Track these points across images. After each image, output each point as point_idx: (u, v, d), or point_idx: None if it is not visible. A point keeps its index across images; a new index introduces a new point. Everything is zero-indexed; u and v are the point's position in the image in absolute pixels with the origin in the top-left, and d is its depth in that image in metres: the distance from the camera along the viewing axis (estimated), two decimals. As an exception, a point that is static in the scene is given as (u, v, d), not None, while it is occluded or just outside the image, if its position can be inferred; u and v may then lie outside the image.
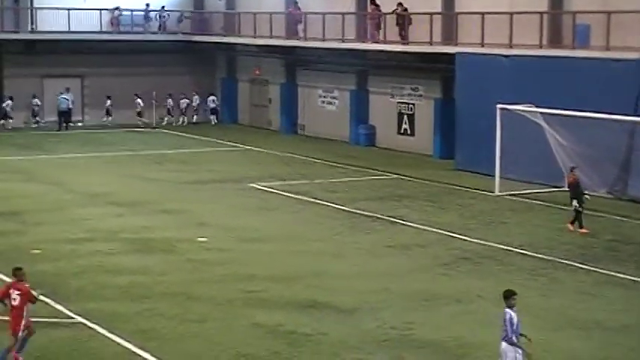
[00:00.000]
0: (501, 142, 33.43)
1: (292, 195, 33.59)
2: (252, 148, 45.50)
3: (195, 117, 54.68)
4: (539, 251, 25.43)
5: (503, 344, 15.40)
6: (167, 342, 18.47)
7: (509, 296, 15.47)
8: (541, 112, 32.81)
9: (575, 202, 27.73)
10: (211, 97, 55.26)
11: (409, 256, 25.25)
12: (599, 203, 31.02)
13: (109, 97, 52.83)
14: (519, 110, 33.04)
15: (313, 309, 20.54)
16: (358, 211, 30.73)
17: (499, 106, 33.52)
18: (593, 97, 32.24)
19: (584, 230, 27.44)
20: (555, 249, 25.67)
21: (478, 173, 36.12)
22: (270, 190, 34.66)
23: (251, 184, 35.60)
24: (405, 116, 44.59)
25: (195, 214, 30.27)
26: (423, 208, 31.59)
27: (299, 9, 48.46)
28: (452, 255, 25.20)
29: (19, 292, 16.84)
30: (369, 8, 44.47)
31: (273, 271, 23.48)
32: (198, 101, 54.95)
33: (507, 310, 15.48)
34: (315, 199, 32.91)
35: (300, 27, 47.63)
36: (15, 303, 16.82)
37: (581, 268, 23.86)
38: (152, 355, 17.76)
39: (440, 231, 27.95)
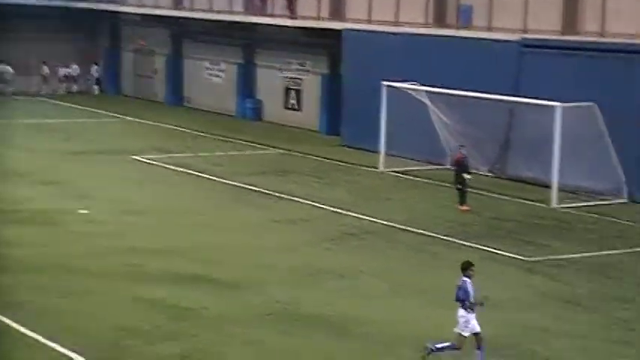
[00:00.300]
0: (386, 119, 33.77)
1: (176, 168, 33.29)
2: (136, 119, 44.88)
3: (75, 87, 53.57)
4: (421, 227, 25.82)
5: (460, 310, 16.18)
6: (46, 316, 18.11)
7: (467, 267, 16.39)
8: (425, 91, 33.26)
9: (460, 179, 28.19)
10: (95, 67, 54.21)
11: (295, 231, 25.33)
12: (480, 181, 31.65)
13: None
14: (404, 88, 33.42)
15: (196, 283, 20.43)
16: (244, 185, 30.66)
17: (384, 83, 33.83)
18: (476, 76, 32.82)
19: (464, 208, 27.97)
20: (438, 226, 26.10)
21: (364, 149, 36.43)
22: (153, 162, 34.27)
23: (134, 157, 35.14)
24: (292, 91, 44.62)
25: (77, 185, 29.73)
26: (309, 183, 31.71)
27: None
28: (337, 230, 25.38)
29: None
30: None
31: (155, 245, 23.26)
32: (78, 71, 53.81)
33: (465, 279, 16.24)
34: (200, 172, 32.69)
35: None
36: None
37: (462, 244, 24.34)
38: (29, 329, 17.40)
39: (326, 206, 28.11)
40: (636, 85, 29.42)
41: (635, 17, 30.16)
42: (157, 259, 22.04)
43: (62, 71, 53.37)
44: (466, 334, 16.14)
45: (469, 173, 28.35)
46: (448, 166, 33.86)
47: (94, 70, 54.15)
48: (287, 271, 21.57)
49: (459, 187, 28.24)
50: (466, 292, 16.14)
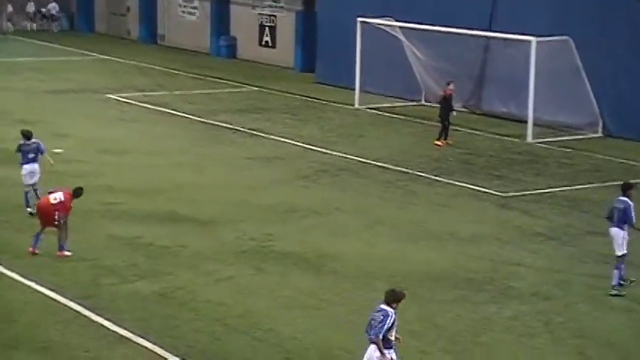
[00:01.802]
0: (361, 56, 33.61)
1: (151, 106, 33.10)
2: (110, 57, 44.45)
3: (55, 25, 52.87)
4: (396, 164, 25.87)
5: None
6: (22, 256, 18.11)
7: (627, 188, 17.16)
8: (400, 27, 33.08)
9: (446, 115, 28.17)
10: (52, 4, 53.30)
11: (269, 169, 25.33)
12: (455, 117, 31.64)
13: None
14: (379, 24, 33.22)
15: (172, 221, 20.45)
16: (218, 123, 30.56)
17: (359, 19, 33.63)
18: (451, 12, 32.65)
19: (441, 143, 28.00)
20: (412, 162, 26.15)
21: (338, 87, 36.29)
22: (128, 101, 34.05)
23: (108, 95, 34.89)
24: (267, 28, 44.28)
25: (52, 124, 29.51)
26: (284, 120, 31.64)
27: None
28: (311, 168, 25.40)
29: None
30: None
31: (131, 184, 23.21)
32: (57, 8, 53.08)
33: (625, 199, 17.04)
34: (175, 110, 32.53)
35: None
36: None
37: (437, 180, 24.42)
38: (6, 268, 17.42)
39: (300, 144, 28.08)
40: (611, 19, 29.37)
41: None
42: (133, 198, 22.01)
43: (30, 7, 52.55)
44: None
45: (452, 110, 28.33)
46: (423, 102, 33.89)
47: (52, 7, 53.19)
48: (261, 208, 21.60)
49: (445, 122, 28.17)
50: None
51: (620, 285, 17.05)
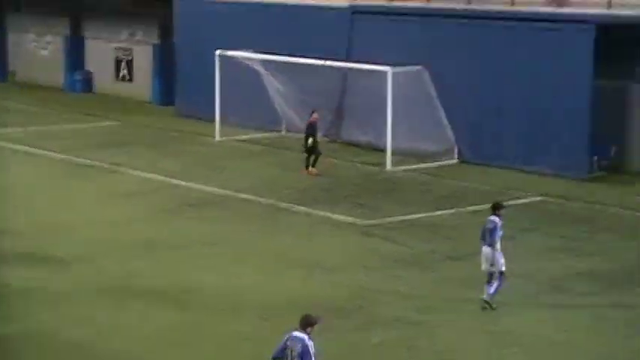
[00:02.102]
0: (221, 88, 33.58)
1: (6, 144, 32.21)
2: (-40, 95, 43.12)
3: None
4: (259, 195, 25.87)
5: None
6: None
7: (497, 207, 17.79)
8: (258, 59, 33.23)
9: (309, 142, 28.42)
10: None
11: (131, 204, 24.96)
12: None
13: None
14: (238, 56, 33.29)
15: (31, 261, 19.88)
16: (78, 160, 29.97)
17: (218, 51, 33.62)
18: (310, 43, 32.98)
19: (315, 171, 28.27)
20: (275, 193, 26.20)
21: (199, 119, 36.11)
22: (-19, 139, 33.09)
23: (-40, 134, 33.86)
24: (123, 62, 43.78)
25: None
26: (144, 155, 31.27)
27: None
28: (174, 201, 25.15)
29: None
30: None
31: (-14, 224, 22.51)
32: None
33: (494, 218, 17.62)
34: (30, 147, 31.73)
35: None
36: None
37: (300, 210, 24.52)
38: None
39: (163, 178, 27.79)
40: (464, 49, 30.20)
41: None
42: (-13, 239, 21.34)
43: None
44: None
45: (312, 137, 28.59)
46: (284, 133, 34.06)
47: None
48: (123, 244, 21.24)
49: (311, 149, 28.45)
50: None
51: (488, 304, 17.45)
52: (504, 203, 18.59)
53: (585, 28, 27.34)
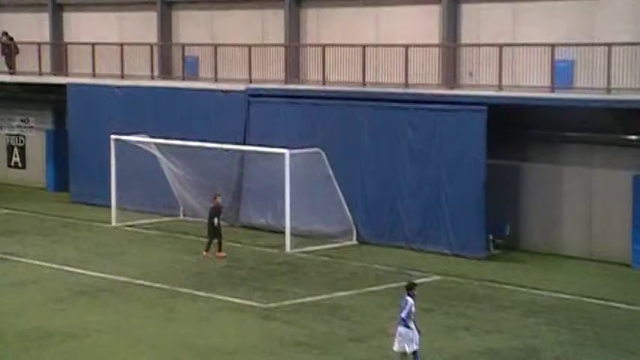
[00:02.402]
0: (116, 173, 33.20)
1: None
2: None
3: None
4: (156, 281, 25.44)
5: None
6: None
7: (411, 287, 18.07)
8: (154, 143, 33.03)
9: (215, 223, 28.29)
10: None
11: (22, 294, 24.23)
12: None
13: None
14: (133, 141, 33.03)
15: None
16: (-34, 249, 29.10)
17: (113, 136, 33.31)
18: (206, 127, 32.99)
19: (222, 254, 28.20)
20: (172, 277, 25.81)
21: (94, 205, 35.57)
22: None
23: None
24: (16, 148, 43.02)
25: None
26: (37, 242, 30.55)
27: None
28: (68, 289, 24.54)
29: None
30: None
31: None
32: None
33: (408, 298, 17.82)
34: None
35: None
36: None
37: (198, 295, 24.16)
38: None
39: (55, 265, 27.15)
40: (357, 130, 30.53)
41: (354, 66, 31.37)
42: None
43: None
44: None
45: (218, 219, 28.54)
46: (181, 217, 33.74)
47: None
48: (14, 336, 20.54)
49: (216, 232, 28.37)
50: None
51: None
52: (416, 282, 18.85)
53: (478, 109, 27.95)
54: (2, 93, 41.81)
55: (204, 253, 28.32)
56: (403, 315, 17.71)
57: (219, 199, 29.00)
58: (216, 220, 28.42)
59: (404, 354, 17.72)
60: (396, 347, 17.80)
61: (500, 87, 28.36)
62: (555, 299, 24.02)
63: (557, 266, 27.50)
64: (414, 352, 17.73)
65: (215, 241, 28.45)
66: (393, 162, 29.87)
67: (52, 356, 19.30)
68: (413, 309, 17.77)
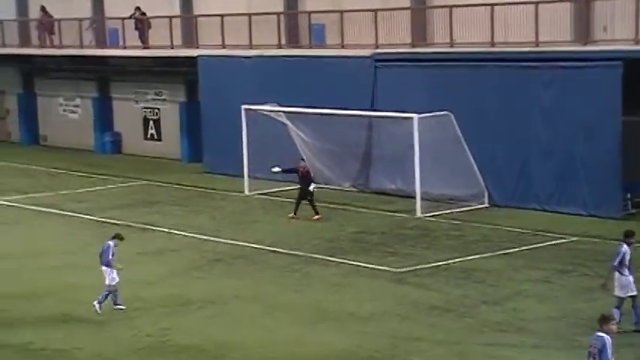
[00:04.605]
0: (248, 143, 33.71)
1: (37, 208, 32.43)
2: (-8, 161, 43.55)
3: None
4: (290, 248, 25.81)
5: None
6: None
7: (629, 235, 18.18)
8: (284, 111, 33.37)
9: (311, 188, 28.85)
10: None
11: (162, 262, 24.95)
12: (344, 196, 31.97)
13: None
14: (263, 110, 33.45)
15: (65, 323, 19.89)
16: (108, 220, 30.07)
17: (243, 106, 33.80)
18: (333, 94, 33.11)
19: (318, 217, 28.71)
20: (305, 244, 26.14)
21: (227, 175, 36.24)
22: (12, 204, 33.29)
23: (-8, 199, 34.11)
24: (151, 121, 44.12)
25: None
26: (174, 212, 31.35)
27: (50, 15, 46.30)
28: (205, 258, 25.14)
29: None
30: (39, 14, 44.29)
31: (19, 288, 22.55)
32: None
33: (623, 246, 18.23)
34: (62, 210, 31.91)
35: (45, 35, 45.79)
36: None
37: (331, 261, 24.42)
38: None
39: (192, 234, 27.82)
40: (487, 92, 30.15)
41: (482, 26, 30.93)
42: (23, 303, 21.37)
43: None
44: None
45: (310, 185, 29.14)
46: (313, 185, 34.04)
47: None
48: (156, 303, 21.20)
49: (310, 198, 28.84)
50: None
51: None
52: (634, 230, 18.98)
53: (613, 65, 27.20)
54: (136, 67, 42.90)
55: (294, 215, 28.92)
56: (615, 263, 18.13)
57: (302, 164, 29.40)
58: (313, 186, 28.73)
59: (622, 299, 18.14)
60: (615, 292, 18.28)
61: (636, 40, 27.50)
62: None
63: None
64: (633, 297, 18.16)
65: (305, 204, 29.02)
66: (524, 123, 29.40)
67: (191, 322, 19.84)
68: (627, 256, 18.12)
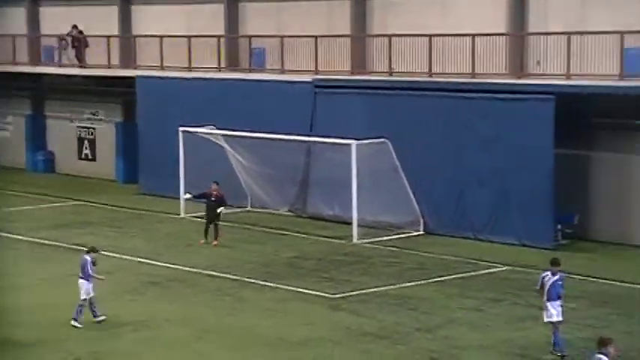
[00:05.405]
0: (185, 165, 33.54)
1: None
2: None
3: None
4: (225, 271, 25.68)
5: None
6: None
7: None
8: (222, 134, 33.28)
9: (219, 210, 29.07)
10: None
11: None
12: (280, 221, 31.94)
13: None
14: (201, 132, 33.32)
15: (-6, 345, 19.52)
16: (40, 241, 29.63)
17: (181, 128, 33.65)
18: (273, 118, 33.14)
19: (217, 242, 28.79)
20: (240, 268, 26.03)
21: (163, 196, 35.97)
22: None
23: None
24: (86, 141, 43.70)
25: None
26: (109, 234, 31.02)
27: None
28: (139, 280, 24.89)
29: None
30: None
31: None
32: None
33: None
34: (-7, 229, 31.39)
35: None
36: None
37: (266, 285, 24.34)
38: None
39: (127, 257, 27.54)
40: (424, 120, 30.42)
41: (421, 56, 31.25)
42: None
43: None
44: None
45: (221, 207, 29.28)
46: (249, 208, 33.98)
47: None
48: (88, 325, 20.89)
49: (216, 222, 29.08)
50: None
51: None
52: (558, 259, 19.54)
53: (546, 98, 27.66)
54: (72, 86, 42.49)
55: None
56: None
57: (213, 187, 29.42)
58: (221, 209, 29.00)
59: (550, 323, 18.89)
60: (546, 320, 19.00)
61: (568, 76, 28.03)
62: (625, 289, 23.75)
63: (626, 256, 27.16)
64: (552, 323, 18.83)
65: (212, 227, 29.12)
66: (460, 152, 29.72)
67: (124, 345, 19.60)
68: (547, 283, 18.88)
